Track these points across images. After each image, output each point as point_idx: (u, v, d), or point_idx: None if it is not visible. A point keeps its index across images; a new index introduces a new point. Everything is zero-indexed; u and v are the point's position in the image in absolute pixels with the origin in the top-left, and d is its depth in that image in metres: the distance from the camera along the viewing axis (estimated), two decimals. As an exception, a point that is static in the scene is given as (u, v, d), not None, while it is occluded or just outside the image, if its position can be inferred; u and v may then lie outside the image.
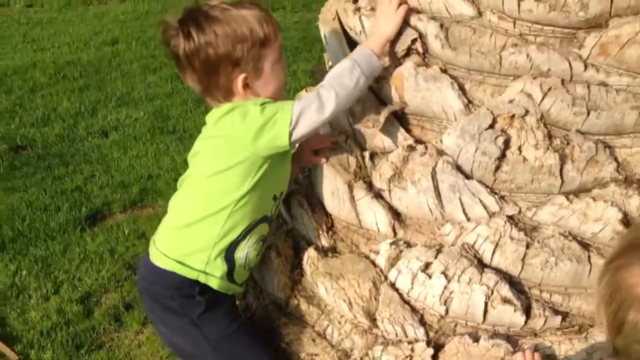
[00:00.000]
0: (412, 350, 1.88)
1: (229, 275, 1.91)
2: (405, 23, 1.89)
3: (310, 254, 2.09)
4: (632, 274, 1.23)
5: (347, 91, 1.81)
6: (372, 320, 1.93)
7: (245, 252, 1.91)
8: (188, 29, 1.80)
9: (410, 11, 1.90)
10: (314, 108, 1.78)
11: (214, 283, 1.88)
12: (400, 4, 1.89)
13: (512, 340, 1.85)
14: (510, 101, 1.79)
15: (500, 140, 1.77)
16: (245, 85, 1.83)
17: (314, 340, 2.03)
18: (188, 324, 1.89)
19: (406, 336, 1.91)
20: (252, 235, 1.92)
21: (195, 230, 1.87)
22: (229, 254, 1.88)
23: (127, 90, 6.07)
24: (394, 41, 1.93)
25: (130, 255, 3.56)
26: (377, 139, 2.00)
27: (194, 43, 1.78)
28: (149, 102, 5.80)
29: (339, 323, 2.02)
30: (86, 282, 3.31)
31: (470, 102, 1.86)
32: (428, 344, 1.88)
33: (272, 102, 1.84)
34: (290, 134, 1.78)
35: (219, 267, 1.88)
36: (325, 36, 2.23)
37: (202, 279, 1.86)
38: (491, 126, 1.78)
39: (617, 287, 1.24)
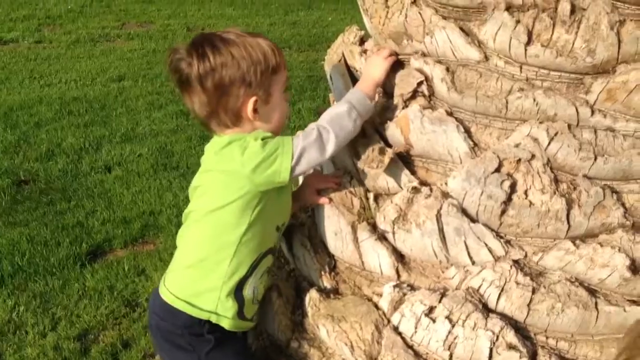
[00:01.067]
0: (415, 396, 1.84)
1: (240, 313, 1.89)
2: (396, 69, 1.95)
3: (312, 295, 2.06)
4: None
5: (346, 132, 1.84)
6: (374, 364, 1.89)
7: (252, 287, 1.90)
8: (203, 49, 1.80)
9: (398, 61, 2.00)
10: (315, 147, 1.80)
11: (225, 323, 1.86)
12: (389, 55, 1.98)
13: (517, 388, 1.81)
14: (517, 145, 1.79)
15: (507, 184, 1.75)
16: (255, 110, 1.83)
17: (314, 384, 1.99)
18: None
19: (409, 382, 1.87)
20: (259, 270, 1.90)
21: (202, 269, 1.85)
22: (237, 291, 1.86)
23: (132, 126, 6.10)
24: (399, 84, 1.94)
25: (130, 292, 3.53)
26: (381, 180, 1.99)
27: (209, 63, 1.78)
28: (153, 138, 5.83)
29: (340, 367, 1.98)
30: (84, 318, 3.28)
31: (476, 145, 1.85)
32: (431, 390, 1.84)
33: (271, 137, 1.84)
34: (292, 171, 1.78)
35: (230, 307, 1.85)
36: (330, 77, 2.24)
37: (213, 319, 1.84)
38: (497, 170, 1.77)
39: None
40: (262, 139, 1.79)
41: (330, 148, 1.81)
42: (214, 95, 1.81)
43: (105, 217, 4.39)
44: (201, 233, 1.88)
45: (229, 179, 1.81)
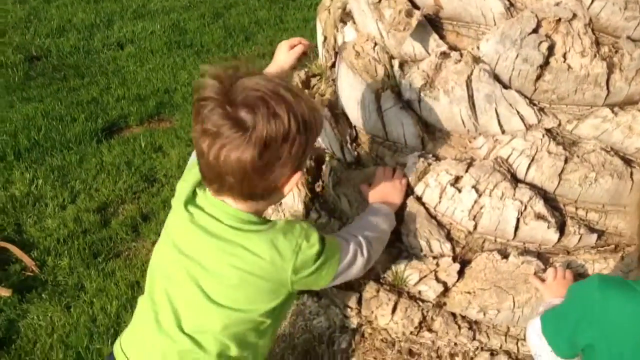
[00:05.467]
0: (437, 265, 1.82)
1: None
2: None
3: (333, 165, 2.00)
4: None
5: (376, 254, 1.68)
6: (397, 234, 1.86)
7: None
8: (273, 108, 1.34)
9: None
10: (356, 266, 1.59)
11: None
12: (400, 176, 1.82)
13: (543, 257, 1.78)
14: (557, 4, 1.65)
15: (544, 46, 1.64)
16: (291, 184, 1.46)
17: (335, 254, 1.97)
18: None
19: (431, 251, 1.84)
20: None
21: None
22: None
23: (143, 3, 5.92)
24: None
25: (147, 168, 3.52)
26: (407, 45, 1.88)
27: (282, 128, 1.35)
28: (165, 15, 5.65)
29: (362, 237, 1.95)
30: (103, 192, 3.28)
31: (512, 4, 1.72)
32: (454, 259, 1.82)
33: (318, 238, 1.49)
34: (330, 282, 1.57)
35: None
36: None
37: None
38: (535, 31, 1.65)
39: None
40: (320, 240, 1.48)
41: (368, 266, 1.63)
42: (266, 161, 1.36)
43: (120, 94, 4.32)
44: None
45: (268, 284, 1.47)
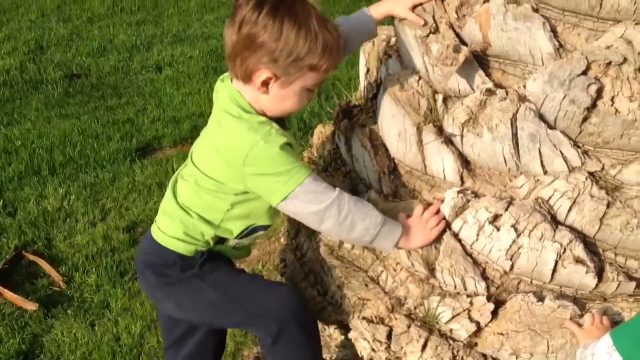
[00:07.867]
0: (471, 304, 1.79)
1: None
2: None
3: (371, 196, 2.00)
4: None
5: (345, 232, 1.79)
6: (431, 270, 1.84)
7: (236, 242, 1.94)
8: (267, 3, 1.69)
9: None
10: (316, 211, 1.74)
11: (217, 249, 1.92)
12: (438, 222, 1.83)
13: (579, 303, 1.75)
14: (608, 47, 1.65)
15: (593, 88, 1.62)
16: (265, 84, 1.73)
17: (366, 285, 1.95)
18: (193, 280, 1.87)
19: (465, 289, 1.82)
20: (247, 239, 1.95)
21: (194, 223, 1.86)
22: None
23: (184, 28, 6.03)
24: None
25: (179, 189, 3.53)
26: (452, 81, 1.88)
27: (257, 16, 1.67)
28: (204, 42, 5.74)
29: (395, 270, 1.93)
30: (133, 212, 3.30)
31: (561, 46, 1.72)
32: (489, 299, 1.79)
33: (287, 142, 1.73)
34: (280, 202, 1.74)
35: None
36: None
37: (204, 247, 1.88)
38: (584, 73, 1.64)
39: None
40: (281, 148, 1.70)
41: (325, 227, 1.77)
42: (241, 42, 1.70)
43: (156, 116, 4.38)
44: (197, 193, 1.86)
45: (228, 168, 1.76)
